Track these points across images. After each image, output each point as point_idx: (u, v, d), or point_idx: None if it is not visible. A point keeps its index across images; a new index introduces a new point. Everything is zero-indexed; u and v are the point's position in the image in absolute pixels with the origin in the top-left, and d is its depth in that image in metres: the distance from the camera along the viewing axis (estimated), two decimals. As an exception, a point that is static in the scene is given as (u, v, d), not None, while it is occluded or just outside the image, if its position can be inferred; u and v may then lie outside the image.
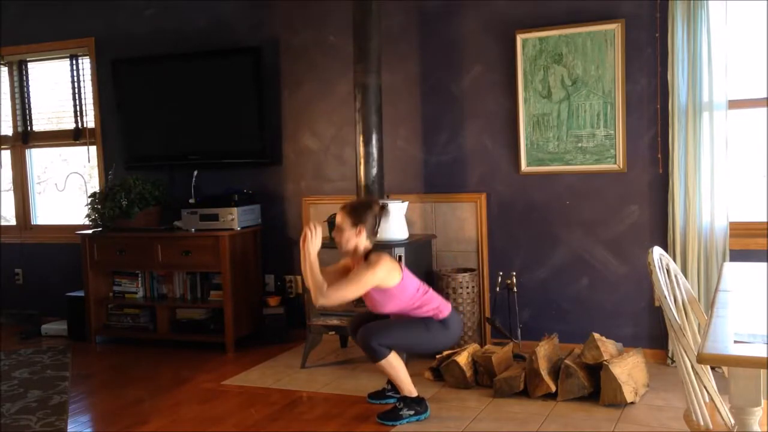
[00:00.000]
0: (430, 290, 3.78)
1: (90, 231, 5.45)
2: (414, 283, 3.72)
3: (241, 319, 5.09)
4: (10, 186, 6.32)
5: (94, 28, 5.76)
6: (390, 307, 3.67)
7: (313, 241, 3.56)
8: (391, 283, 3.60)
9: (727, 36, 4.02)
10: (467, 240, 4.76)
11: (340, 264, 3.86)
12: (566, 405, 3.71)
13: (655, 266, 2.30)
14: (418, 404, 3.62)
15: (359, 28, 4.52)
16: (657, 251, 2.39)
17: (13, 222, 6.35)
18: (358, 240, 3.66)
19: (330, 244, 4.62)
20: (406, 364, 3.75)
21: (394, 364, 3.61)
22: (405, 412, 3.59)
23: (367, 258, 3.67)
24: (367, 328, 3.59)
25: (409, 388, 3.65)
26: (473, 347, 4.18)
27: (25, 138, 6.20)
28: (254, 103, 5.15)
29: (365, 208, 3.71)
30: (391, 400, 3.79)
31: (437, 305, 3.70)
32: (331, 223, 4.72)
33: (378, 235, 3.80)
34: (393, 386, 3.83)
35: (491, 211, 4.71)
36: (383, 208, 3.80)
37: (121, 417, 3.86)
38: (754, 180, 4.27)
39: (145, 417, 3.84)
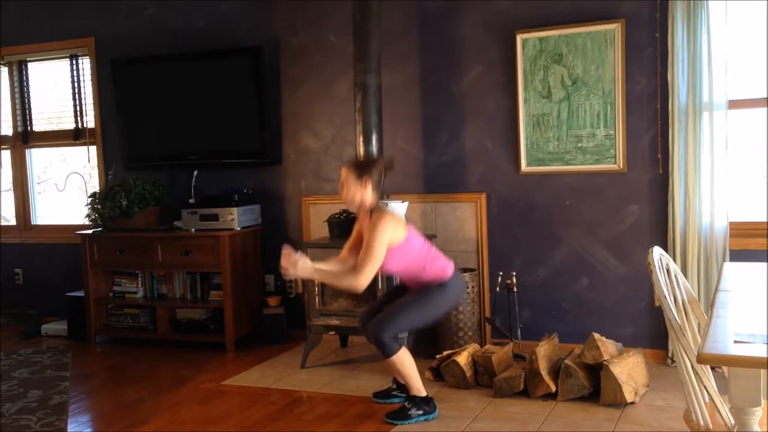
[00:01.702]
0: (434, 248, 3.74)
1: (90, 231, 5.45)
2: (419, 241, 3.67)
3: (241, 319, 5.09)
4: (10, 186, 6.31)
5: (94, 28, 5.76)
6: (395, 264, 3.62)
7: (297, 265, 3.48)
8: (396, 240, 3.55)
9: (727, 36, 4.02)
10: (467, 240, 4.76)
11: (352, 236, 3.79)
12: (566, 405, 3.71)
13: (655, 266, 2.30)
14: (426, 404, 3.62)
15: (359, 28, 4.52)
16: (657, 251, 2.39)
17: (13, 222, 6.35)
18: (364, 193, 3.62)
19: (333, 244, 4.62)
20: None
21: (405, 361, 3.59)
22: (414, 411, 3.58)
23: (372, 216, 3.59)
24: (375, 322, 3.57)
25: (418, 387, 3.63)
26: (473, 347, 4.18)
27: (25, 138, 6.20)
28: (254, 103, 5.15)
29: (370, 164, 3.69)
30: (397, 400, 3.78)
31: (441, 265, 3.66)
32: (331, 222, 4.72)
33: (381, 192, 3.73)
34: (399, 385, 3.83)
35: (491, 211, 4.71)
36: (389, 165, 3.75)
37: (121, 417, 3.86)
38: (754, 180, 4.27)
39: (145, 417, 3.84)
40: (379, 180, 3.67)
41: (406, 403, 3.62)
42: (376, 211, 3.62)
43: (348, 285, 3.55)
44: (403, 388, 3.79)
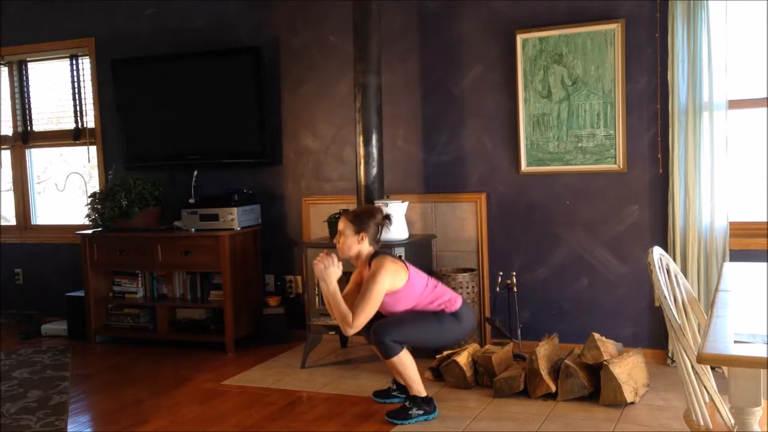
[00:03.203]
0: (440, 284, 3.78)
1: (90, 231, 5.44)
2: (422, 279, 3.72)
3: (241, 319, 5.09)
4: (10, 186, 6.32)
5: (94, 28, 5.76)
6: (400, 307, 3.66)
7: (332, 268, 3.55)
8: (398, 285, 3.61)
9: (727, 36, 4.02)
10: (467, 240, 4.76)
11: (351, 281, 3.82)
12: (566, 405, 3.71)
13: (655, 266, 2.30)
14: (427, 404, 3.62)
15: (359, 28, 4.52)
16: (657, 251, 2.39)
17: (13, 222, 6.35)
18: (360, 247, 3.68)
19: (333, 244, 4.62)
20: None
21: (406, 362, 3.61)
22: (414, 411, 3.58)
23: (370, 264, 3.65)
24: (380, 324, 3.59)
25: (419, 388, 3.64)
26: (473, 347, 4.18)
27: (25, 138, 6.20)
28: (254, 103, 5.15)
29: (368, 216, 3.71)
30: (396, 400, 3.79)
31: (448, 298, 3.70)
32: (331, 222, 4.72)
33: (380, 243, 3.80)
34: (399, 386, 3.83)
35: (491, 211, 4.71)
36: (386, 218, 3.78)
37: (121, 417, 3.86)
38: (754, 180, 4.27)
39: (145, 417, 3.84)
40: (376, 233, 3.71)
41: (406, 403, 3.63)
42: (375, 260, 3.64)
43: (341, 322, 3.57)
44: (403, 389, 3.79)
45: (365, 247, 3.68)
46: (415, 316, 3.66)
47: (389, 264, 3.61)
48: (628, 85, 4.31)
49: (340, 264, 3.59)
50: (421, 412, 3.59)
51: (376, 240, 3.72)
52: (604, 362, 3.66)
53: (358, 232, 3.66)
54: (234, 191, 5.18)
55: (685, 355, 2.17)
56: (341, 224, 3.71)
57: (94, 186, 5.89)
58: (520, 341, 4.42)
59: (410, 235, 4.55)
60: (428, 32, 4.80)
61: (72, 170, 6.08)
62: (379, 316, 3.73)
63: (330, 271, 3.54)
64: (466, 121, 4.74)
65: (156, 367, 4.78)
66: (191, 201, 5.22)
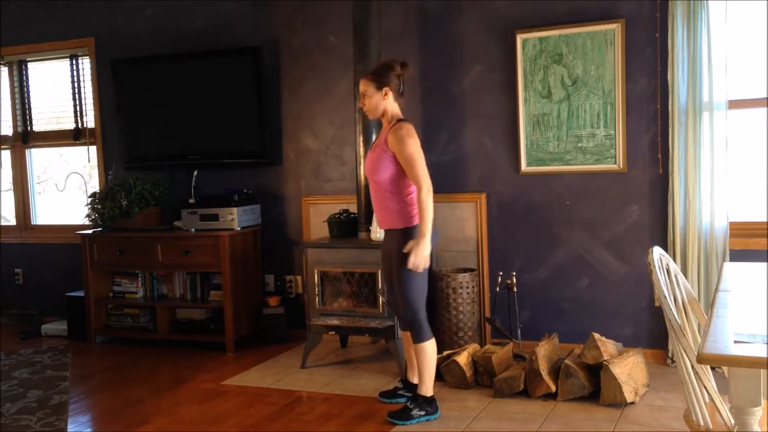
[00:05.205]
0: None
1: (90, 231, 5.45)
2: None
3: (241, 319, 5.09)
4: (10, 186, 6.32)
5: (94, 28, 5.76)
6: (385, 172, 3.53)
7: (417, 250, 3.44)
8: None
9: (727, 36, 4.02)
10: (467, 240, 4.76)
11: (372, 146, 3.70)
12: (566, 405, 3.71)
13: (655, 266, 2.30)
14: (429, 405, 3.62)
15: (359, 28, 4.52)
16: (657, 251, 2.39)
17: (13, 222, 6.35)
18: (386, 103, 3.58)
19: (333, 244, 4.63)
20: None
21: (431, 352, 3.61)
22: (416, 412, 3.58)
23: (393, 130, 3.52)
24: (404, 313, 3.59)
25: (429, 385, 3.63)
26: (473, 347, 4.18)
27: (25, 138, 6.20)
28: (254, 103, 5.15)
29: (387, 69, 3.61)
30: (402, 400, 3.79)
31: (414, 209, 3.57)
32: (331, 222, 4.72)
33: (403, 95, 3.67)
34: (405, 384, 3.83)
35: (491, 211, 4.71)
36: (405, 66, 3.67)
37: (121, 417, 3.86)
38: (754, 180, 4.27)
39: (145, 417, 3.84)
40: (399, 85, 3.61)
41: (408, 403, 3.63)
42: (398, 124, 3.53)
43: (428, 204, 3.44)
44: (409, 387, 3.79)
45: (390, 103, 3.59)
46: (403, 284, 3.56)
47: (410, 128, 3.52)
48: (628, 85, 4.31)
49: (411, 244, 3.47)
50: (423, 412, 3.58)
51: (399, 92, 3.62)
52: (604, 362, 3.66)
53: (380, 87, 3.56)
54: (234, 191, 5.18)
55: (685, 355, 2.17)
56: (362, 85, 3.61)
57: (94, 186, 5.89)
58: (520, 341, 4.42)
59: (410, 235, 4.54)
60: (428, 32, 4.80)
61: (72, 170, 6.09)
62: (399, 308, 3.69)
63: (421, 252, 3.43)
64: (466, 121, 4.74)
65: (156, 367, 4.78)
66: (191, 201, 5.22)
